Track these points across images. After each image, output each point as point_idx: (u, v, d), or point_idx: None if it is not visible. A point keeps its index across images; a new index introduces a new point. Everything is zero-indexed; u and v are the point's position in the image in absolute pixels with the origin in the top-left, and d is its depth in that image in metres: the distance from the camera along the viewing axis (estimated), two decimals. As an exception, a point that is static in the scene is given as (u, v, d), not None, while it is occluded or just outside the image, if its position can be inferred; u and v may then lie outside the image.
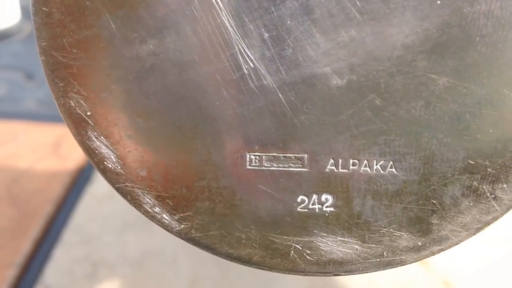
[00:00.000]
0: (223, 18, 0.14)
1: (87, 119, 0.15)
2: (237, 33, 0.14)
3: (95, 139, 0.15)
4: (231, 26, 0.14)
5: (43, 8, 0.14)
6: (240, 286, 0.39)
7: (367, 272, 0.16)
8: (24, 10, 0.60)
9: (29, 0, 0.14)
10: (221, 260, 0.41)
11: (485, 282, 0.37)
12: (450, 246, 0.15)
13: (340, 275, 0.16)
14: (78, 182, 0.45)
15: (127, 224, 0.43)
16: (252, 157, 0.15)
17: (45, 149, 0.48)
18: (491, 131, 0.14)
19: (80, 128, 0.15)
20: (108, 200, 0.45)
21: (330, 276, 0.16)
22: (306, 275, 0.16)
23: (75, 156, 0.47)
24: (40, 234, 0.41)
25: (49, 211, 0.43)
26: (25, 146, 0.48)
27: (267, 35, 0.14)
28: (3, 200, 0.43)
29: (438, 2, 0.13)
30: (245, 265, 0.16)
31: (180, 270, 0.40)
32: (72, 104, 0.15)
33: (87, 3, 0.14)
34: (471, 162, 0.14)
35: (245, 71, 0.14)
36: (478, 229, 0.15)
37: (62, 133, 0.49)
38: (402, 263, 0.15)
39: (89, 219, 0.43)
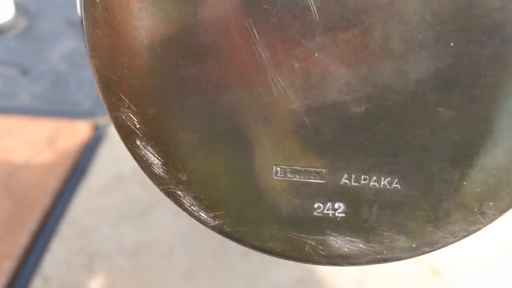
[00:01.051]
0: (258, 48, 0.15)
1: (136, 130, 0.17)
2: (270, 62, 0.16)
3: (143, 148, 0.17)
4: (265, 55, 0.16)
5: (96, 31, 0.15)
6: (234, 277, 0.40)
7: (368, 265, 0.18)
8: (18, 6, 0.60)
9: (82, 24, 0.15)
10: (216, 251, 0.43)
11: (472, 270, 0.39)
12: (438, 248, 0.18)
13: (345, 266, 0.19)
14: (73, 175, 0.46)
15: (122, 216, 0.44)
16: (278, 169, 0.17)
17: (41, 143, 0.48)
18: (484, 159, 0.16)
19: (130, 138, 0.17)
20: (104, 193, 0.46)
21: (337, 266, 0.19)
22: (318, 264, 0.19)
23: (70, 150, 0.48)
24: (37, 227, 0.42)
25: (46, 204, 0.44)
26: (20, 140, 0.48)
27: (297, 65, 0.16)
28: (0, 193, 0.44)
29: (452, 44, 0.15)
30: (268, 255, 0.19)
31: (176, 260, 0.41)
32: (123, 118, 0.17)
33: (136, 31, 0.15)
34: (464, 183, 0.17)
35: (276, 95, 0.16)
36: (464, 236, 0.18)
37: (57, 127, 0.50)
38: (398, 259, 0.18)
39: (85, 212, 0.44)
